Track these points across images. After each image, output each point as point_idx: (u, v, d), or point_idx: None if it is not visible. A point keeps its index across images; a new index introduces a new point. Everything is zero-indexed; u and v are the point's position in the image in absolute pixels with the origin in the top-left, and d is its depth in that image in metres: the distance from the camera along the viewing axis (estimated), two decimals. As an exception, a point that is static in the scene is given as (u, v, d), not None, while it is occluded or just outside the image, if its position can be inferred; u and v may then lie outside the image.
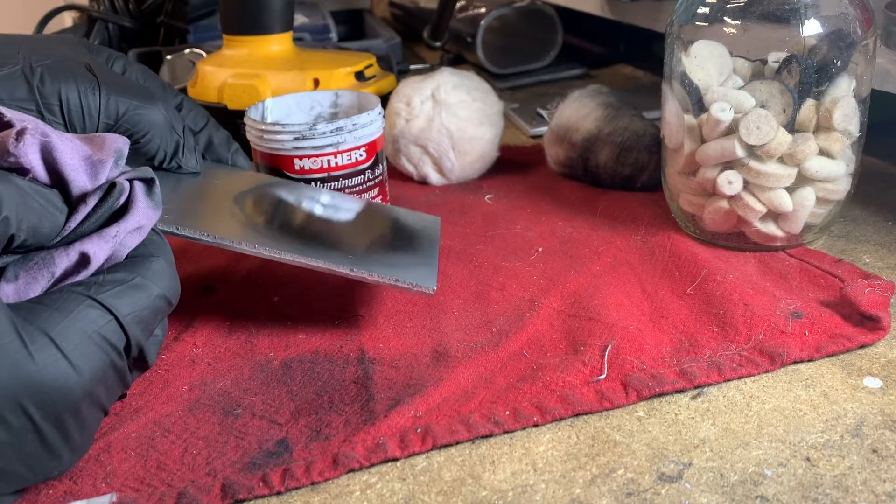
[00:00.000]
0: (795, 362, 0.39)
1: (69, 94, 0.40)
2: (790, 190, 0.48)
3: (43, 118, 0.40)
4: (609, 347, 0.41)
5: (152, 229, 0.36)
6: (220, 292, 0.50)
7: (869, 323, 0.41)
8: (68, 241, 0.33)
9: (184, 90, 0.77)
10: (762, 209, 0.48)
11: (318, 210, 0.49)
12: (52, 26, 1.07)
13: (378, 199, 0.57)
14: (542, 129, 0.77)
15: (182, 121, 0.48)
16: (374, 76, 0.75)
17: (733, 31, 0.47)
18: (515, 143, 0.76)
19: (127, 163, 0.36)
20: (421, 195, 0.64)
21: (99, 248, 0.33)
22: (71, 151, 0.33)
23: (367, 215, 0.51)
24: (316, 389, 0.39)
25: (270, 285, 0.50)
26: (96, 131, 0.42)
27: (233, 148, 0.51)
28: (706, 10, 0.48)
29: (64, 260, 0.32)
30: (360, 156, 0.54)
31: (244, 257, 0.50)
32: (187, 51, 0.85)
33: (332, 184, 0.54)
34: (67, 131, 0.41)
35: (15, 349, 0.28)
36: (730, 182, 0.48)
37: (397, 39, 1.02)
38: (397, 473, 0.34)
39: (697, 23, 0.49)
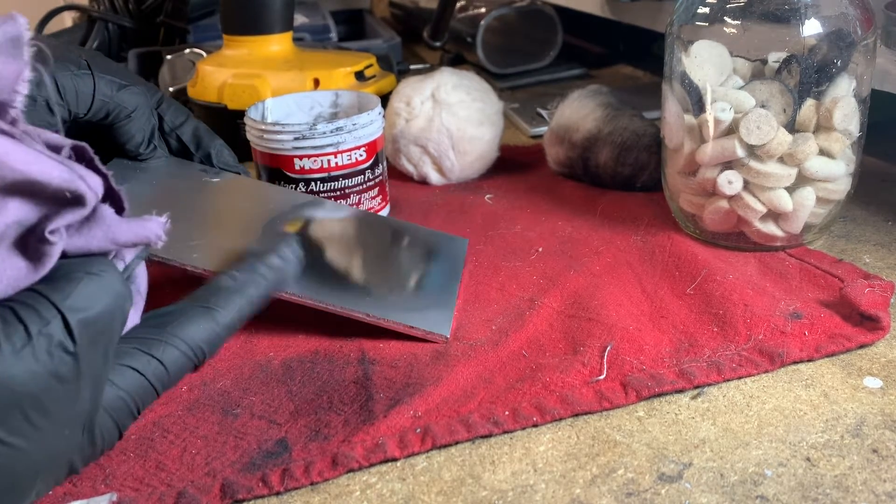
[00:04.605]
0: (795, 362, 0.39)
1: (62, 78, 0.42)
2: (790, 190, 0.48)
3: (35, 101, 0.40)
4: (608, 348, 0.41)
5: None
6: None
7: (868, 323, 0.41)
8: None
9: (184, 90, 0.78)
10: (762, 209, 0.48)
11: (343, 234, 0.50)
12: (52, 26, 1.07)
13: (384, 213, 0.58)
14: (542, 129, 0.77)
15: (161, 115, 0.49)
16: (374, 76, 0.75)
17: (733, 31, 0.47)
18: (515, 143, 0.76)
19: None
20: (421, 195, 0.64)
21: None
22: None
23: (394, 241, 0.51)
24: (315, 389, 0.39)
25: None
26: (89, 109, 0.43)
27: (217, 143, 0.50)
28: (706, 10, 0.48)
29: None
30: (360, 156, 0.54)
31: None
32: (187, 51, 0.85)
33: (332, 184, 0.54)
34: (67, 108, 0.42)
35: None
36: (730, 182, 0.48)
37: (397, 39, 1.03)
38: (397, 473, 0.34)
39: (697, 23, 0.49)
